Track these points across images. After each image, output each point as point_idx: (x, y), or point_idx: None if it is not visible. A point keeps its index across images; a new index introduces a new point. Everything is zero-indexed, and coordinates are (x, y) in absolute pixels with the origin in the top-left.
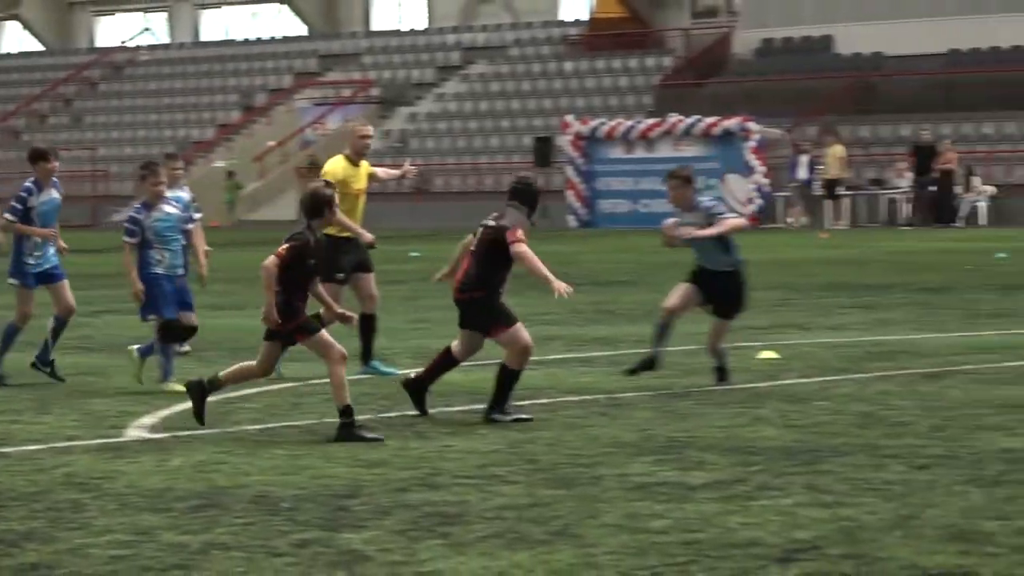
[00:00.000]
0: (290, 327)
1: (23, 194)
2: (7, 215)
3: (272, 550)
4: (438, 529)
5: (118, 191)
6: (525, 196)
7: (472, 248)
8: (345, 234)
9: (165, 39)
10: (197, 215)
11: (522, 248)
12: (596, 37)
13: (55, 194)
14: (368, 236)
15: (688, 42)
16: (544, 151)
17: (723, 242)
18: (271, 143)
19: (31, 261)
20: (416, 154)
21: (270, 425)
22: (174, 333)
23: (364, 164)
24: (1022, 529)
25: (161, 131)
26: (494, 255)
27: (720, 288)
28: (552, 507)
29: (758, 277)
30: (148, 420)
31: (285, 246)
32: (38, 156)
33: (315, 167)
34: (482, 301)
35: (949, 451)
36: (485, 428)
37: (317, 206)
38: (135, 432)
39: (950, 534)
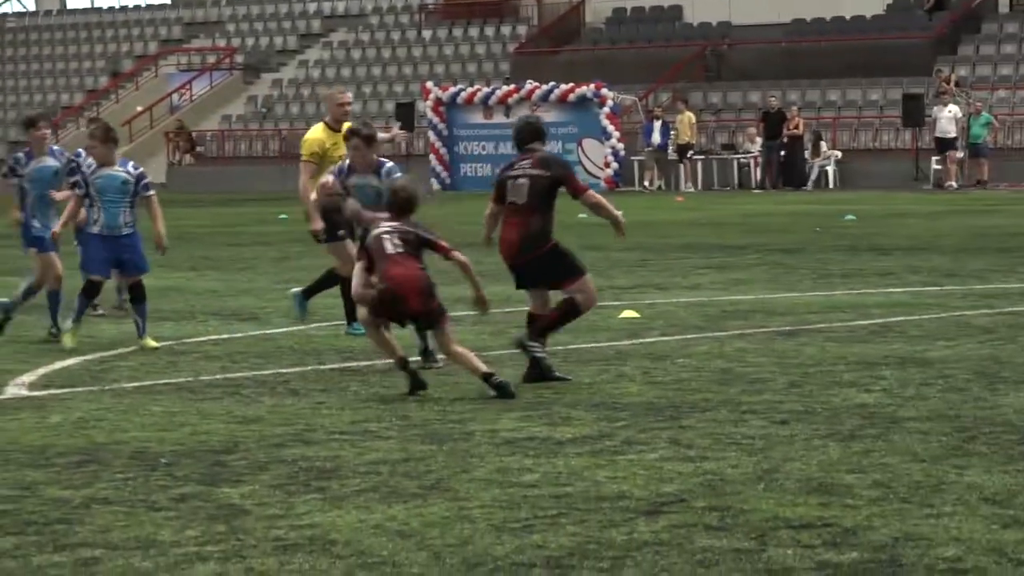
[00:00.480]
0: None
1: (12, 164)
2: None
3: (152, 505)
4: (314, 483)
5: None
6: (543, 134)
7: (521, 204)
8: None
9: (32, 7)
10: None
11: (595, 195)
12: (452, 6)
13: (50, 161)
14: (317, 225)
15: (541, 11)
16: (406, 116)
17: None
18: (139, 108)
19: (37, 224)
20: (281, 120)
21: (146, 383)
22: (95, 292)
23: (348, 127)
24: (878, 481)
25: (31, 96)
26: (549, 202)
27: None
28: (425, 462)
29: (618, 238)
30: (27, 378)
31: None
32: (28, 123)
33: (182, 131)
34: (554, 251)
35: (806, 407)
36: (357, 385)
37: (412, 204)
38: (14, 390)
39: (810, 487)
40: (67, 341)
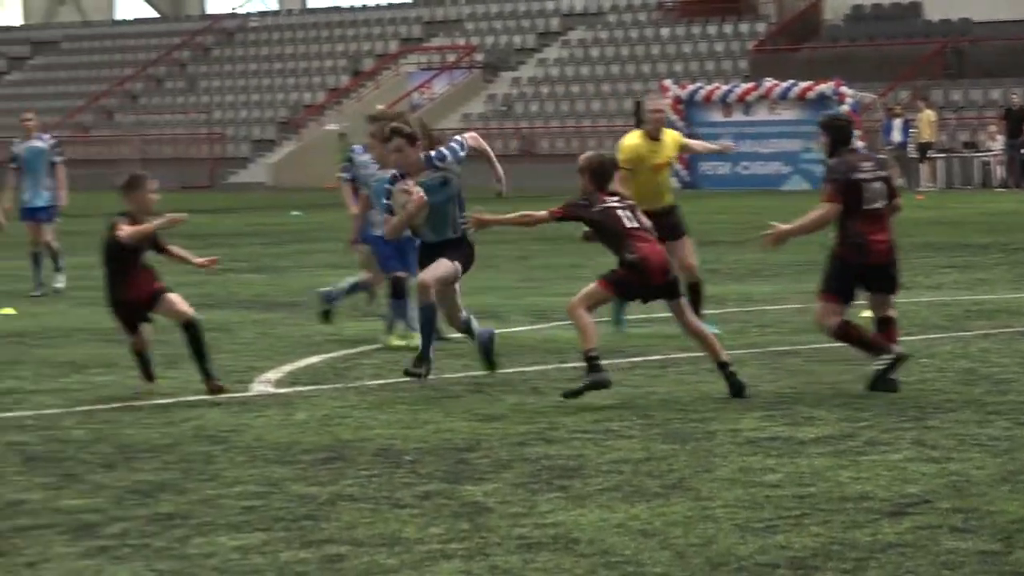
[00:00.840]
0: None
1: (349, 154)
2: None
3: (397, 502)
4: (557, 482)
5: (234, 153)
6: None
7: (883, 207)
8: (646, 207)
9: (274, 6)
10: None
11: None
12: (690, 3)
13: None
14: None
15: (780, 8)
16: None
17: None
18: (380, 107)
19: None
20: (520, 118)
21: (390, 380)
22: (402, 290)
23: (672, 136)
24: None
25: (274, 95)
26: None
27: (444, 251)
28: (667, 461)
29: None
30: (272, 375)
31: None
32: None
33: (424, 130)
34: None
35: None
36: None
37: (611, 169)
38: (260, 387)
39: None
40: (394, 341)
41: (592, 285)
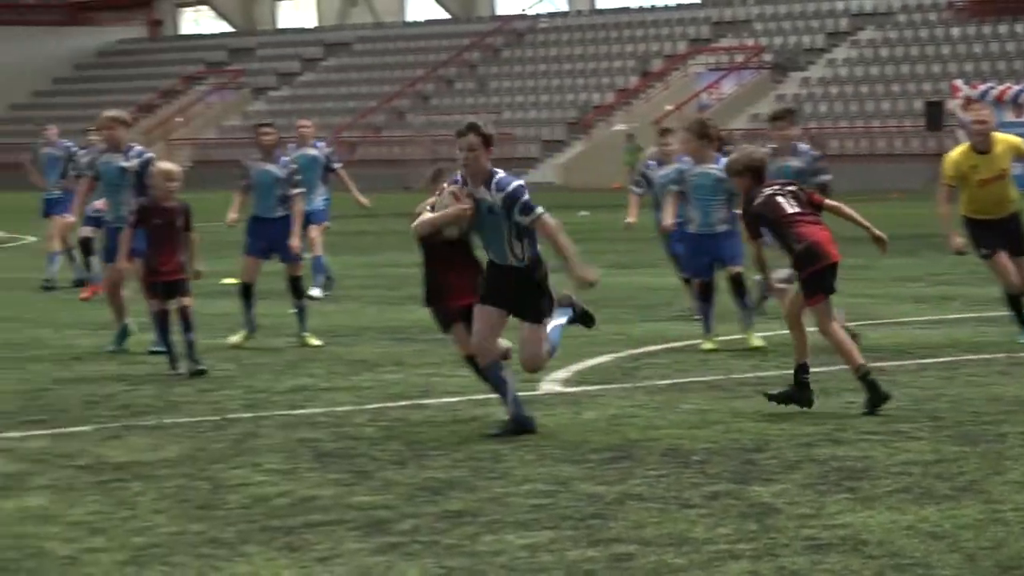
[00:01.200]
0: None
1: (643, 170)
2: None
3: (684, 502)
4: (845, 483)
5: (524, 153)
6: None
7: None
8: (984, 216)
9: (563, 7)
10: None
11: None
12: (982, 3)
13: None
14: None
15: None
16: (935, 115)
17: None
18: (668, 107)
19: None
20: (810, 118)
21: (678, 380)
22: (704, 294)
23: (1007, 144)
24: None
25: (563, 95)
26: None
27: (512, 286)
28: (957, 463)
29: None
30: (561, 374)
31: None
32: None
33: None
34: None
35: None
36: (886, 386)
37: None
38: (549, 386)
39: None
40: (753, 342)
41: (812, 308)
